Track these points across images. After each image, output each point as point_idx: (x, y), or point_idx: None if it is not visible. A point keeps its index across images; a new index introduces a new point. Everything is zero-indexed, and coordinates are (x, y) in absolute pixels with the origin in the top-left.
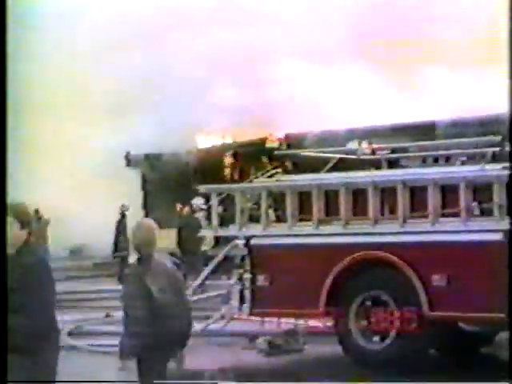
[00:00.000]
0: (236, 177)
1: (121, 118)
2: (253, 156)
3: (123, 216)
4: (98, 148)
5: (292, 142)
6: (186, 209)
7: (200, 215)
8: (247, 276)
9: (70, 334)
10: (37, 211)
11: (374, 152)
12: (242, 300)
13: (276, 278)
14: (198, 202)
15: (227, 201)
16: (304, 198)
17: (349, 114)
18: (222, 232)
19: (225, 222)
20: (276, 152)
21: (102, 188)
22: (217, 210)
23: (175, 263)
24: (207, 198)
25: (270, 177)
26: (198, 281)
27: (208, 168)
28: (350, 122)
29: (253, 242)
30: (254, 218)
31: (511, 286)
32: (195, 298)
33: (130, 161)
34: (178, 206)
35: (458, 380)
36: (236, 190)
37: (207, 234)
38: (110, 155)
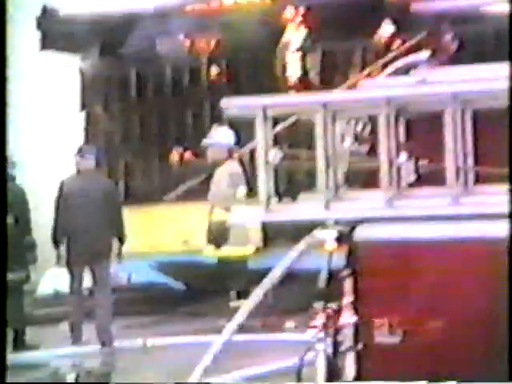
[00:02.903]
0: (312, 75)
1: None
2: (352, 19)
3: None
4: None
5: None
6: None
7: (229, 173)
8: (346, 321)
9: None
10: None
11: None
12: (333, 377)
13: (419, 325)
14: (221, 138)
15: (292, 135)
16: (486, 124)
17: None
18: (282, 212)
19: (289, 188)
20: (414, 6)
21: None
22: (270, 158)
23: None
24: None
25: (398, 72)
26: (225, 335)
27: (244, 54)
28: None
29: (360, 234)
30: (358, 179)
31: None
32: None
33: None
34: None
35: None
36: (314, 108)
37: (246, 218)
38: None
